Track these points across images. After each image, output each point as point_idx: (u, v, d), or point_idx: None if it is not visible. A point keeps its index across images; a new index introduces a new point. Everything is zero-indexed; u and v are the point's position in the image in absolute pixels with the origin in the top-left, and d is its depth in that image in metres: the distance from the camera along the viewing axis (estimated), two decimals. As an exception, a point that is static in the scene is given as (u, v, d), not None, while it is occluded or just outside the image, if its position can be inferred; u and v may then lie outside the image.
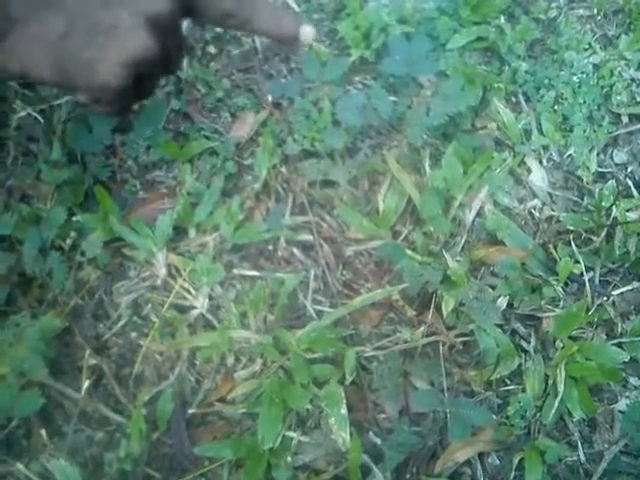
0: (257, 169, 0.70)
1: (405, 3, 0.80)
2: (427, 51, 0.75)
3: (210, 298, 0.65)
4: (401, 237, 0.67)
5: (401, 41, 0.75)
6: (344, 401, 0.58)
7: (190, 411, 0.60)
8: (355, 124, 0.69)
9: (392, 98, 0.73)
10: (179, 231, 0.68)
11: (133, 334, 0.65)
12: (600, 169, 0.75)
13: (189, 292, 0.65)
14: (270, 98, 0.75)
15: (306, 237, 0.68)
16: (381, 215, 0.68)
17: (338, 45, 0.80)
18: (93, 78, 0.46)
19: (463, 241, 0.66)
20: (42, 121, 0.71)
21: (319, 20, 0.83)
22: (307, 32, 0.58)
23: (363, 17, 0.78)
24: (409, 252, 0.64)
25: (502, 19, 0.81)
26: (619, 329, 0.65)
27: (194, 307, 0.65)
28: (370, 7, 0.80)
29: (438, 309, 0.62)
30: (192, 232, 0.68)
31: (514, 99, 0.78)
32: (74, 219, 0.67)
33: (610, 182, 0.71)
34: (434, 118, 0.70)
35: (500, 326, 0.63)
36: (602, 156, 0.76)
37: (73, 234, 0.66)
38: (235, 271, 0.67)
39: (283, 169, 0.71)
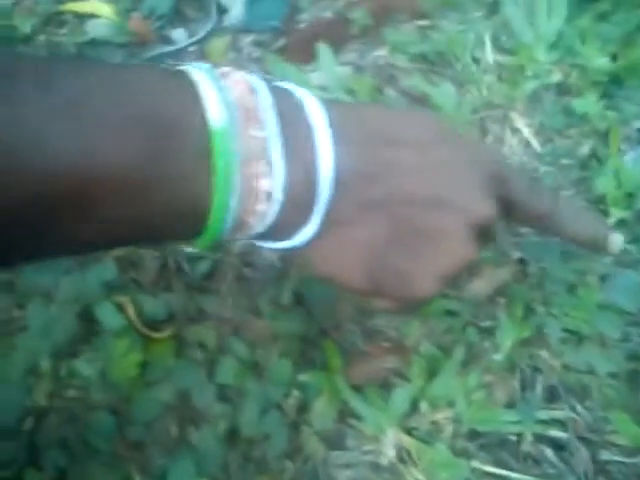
0: (499, 338, 0.62)
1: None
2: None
3: (449, 499, 0.56)
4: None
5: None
6: None
7: None
8: (628, 308, 0.60)
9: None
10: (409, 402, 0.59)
11: (354, 525, 0.56)
12: None
13: (423, 486, 0.56)
14: (516, 254, 0.67)
15: (557, 433, 0.58)
16: (655, 425, 0.56)
17: (589, 198, 0.71)
18: (406, 290, 0.40)
19: None
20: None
21: (567, 166, 0.75)
22: (618, 242, 0.51)
23: (625, 174, 0.69)
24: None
25: None
26: None
27: (428, 504, 0.56)
28: (629, 163, 0.71)
29: None
30: (424, 406, 0.60)
31: None
32: (297, 374, 0.60)
33: None
34: None
35: None
36: None
37: (296, 393, 0.60)
38: (473, 463, 0.57)
39: (531, 343, 0.62)
